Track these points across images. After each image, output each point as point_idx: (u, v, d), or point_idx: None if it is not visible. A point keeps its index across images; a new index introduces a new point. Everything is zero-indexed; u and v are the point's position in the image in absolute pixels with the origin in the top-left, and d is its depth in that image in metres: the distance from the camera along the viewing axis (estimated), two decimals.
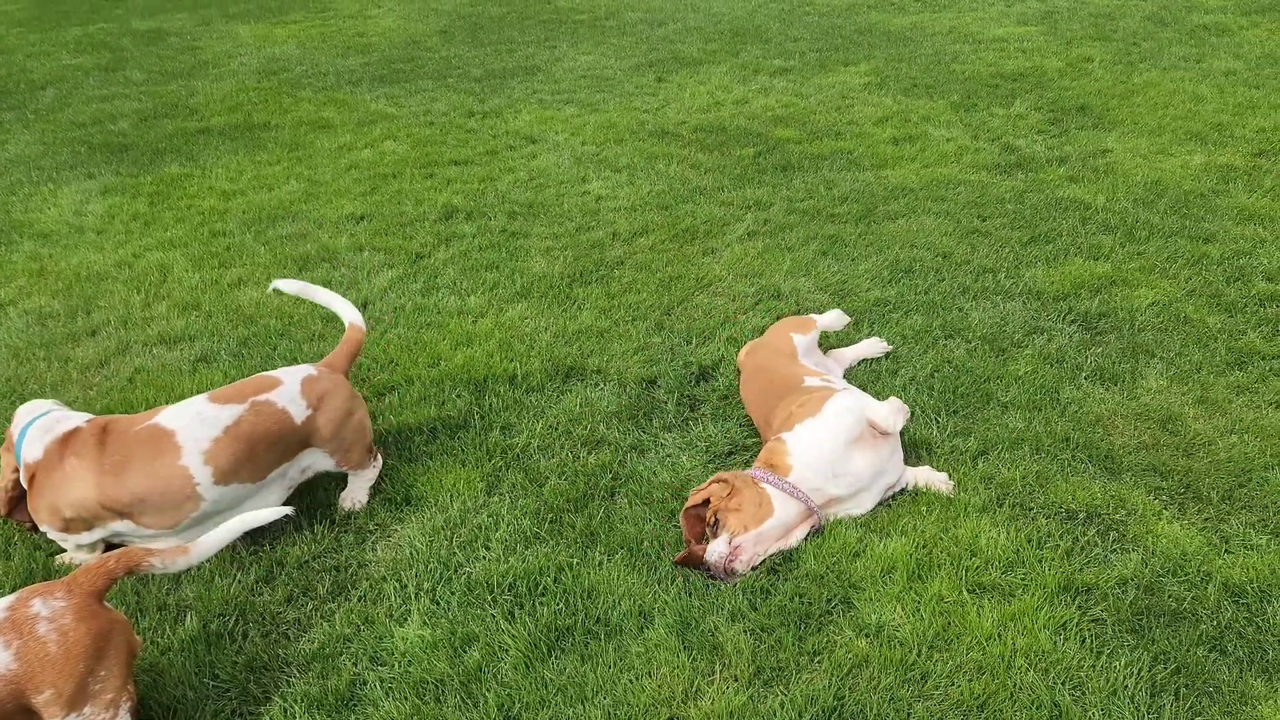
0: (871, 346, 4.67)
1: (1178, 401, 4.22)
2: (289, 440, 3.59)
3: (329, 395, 3.68)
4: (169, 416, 3.47)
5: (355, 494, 3.83)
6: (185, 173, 7.71)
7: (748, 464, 3.89)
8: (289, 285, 4.09)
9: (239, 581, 3.43)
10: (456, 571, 3.44)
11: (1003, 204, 6.36)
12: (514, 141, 8.20)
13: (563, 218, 6.49)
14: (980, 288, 5.26)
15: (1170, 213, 6.09)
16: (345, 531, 3.69)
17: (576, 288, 5.47)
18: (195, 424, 3.44)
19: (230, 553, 3.54)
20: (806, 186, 6.82)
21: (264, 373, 3.73)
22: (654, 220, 6.35)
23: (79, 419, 3.47)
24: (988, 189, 6.62)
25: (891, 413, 3.63)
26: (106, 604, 2.73)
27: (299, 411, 3.59)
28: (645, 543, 3.54)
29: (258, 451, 3.49)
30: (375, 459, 3.88)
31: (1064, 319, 4.92)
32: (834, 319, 4.59)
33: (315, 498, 3.84)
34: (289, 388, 3.62)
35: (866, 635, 3.10)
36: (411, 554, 3.53)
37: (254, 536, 3.62)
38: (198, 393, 4.50)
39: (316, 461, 3.73)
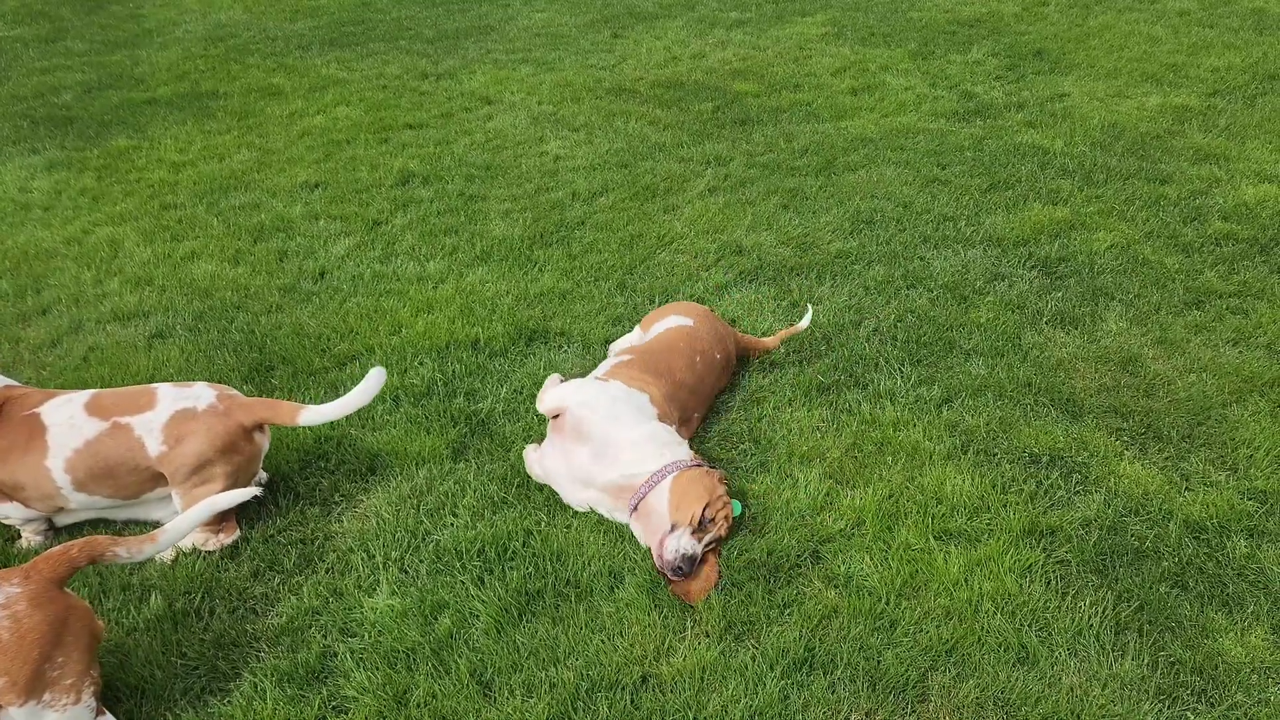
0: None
1: (1137, 343, 4.26)
2: (145, 472, 3.31)
3: (191, 436, 3.28)
4: (51, 410, 3.31)
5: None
6: (133, 145, 7.51)
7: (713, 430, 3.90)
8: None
9: (204, 559, 3.39)
10: (425, 540, 3.42)
11: (962, 152, 6.35)
12: (469, 103, 8.06)
13: (521, 179, 6.41)
14: (941, 236, 5.27)
15: (1128, 155, 6.11)
16: (310, 504, 3.65)
17: (537, 250, 5.42)
18: (65, 428, 3.27)
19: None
20: (766, 140, 6.78)
21: (156, 385, 3.43)
22: (613, 179, 6.28)
23: None
24: (947, 137, 6.61)
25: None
26: (67, 590, 2.69)
27: (154, 446, 3.27)
28: None
29: (118, 473, 3.30)
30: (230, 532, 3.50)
31: (1024, 265, 4.93)
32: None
33: (278, 469, 3.79)
34: (154, 416, 3.30)
35: (836, 586, 3.12)
36: (378, 524, 3.50)
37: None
38: (154, 371, 4.46)
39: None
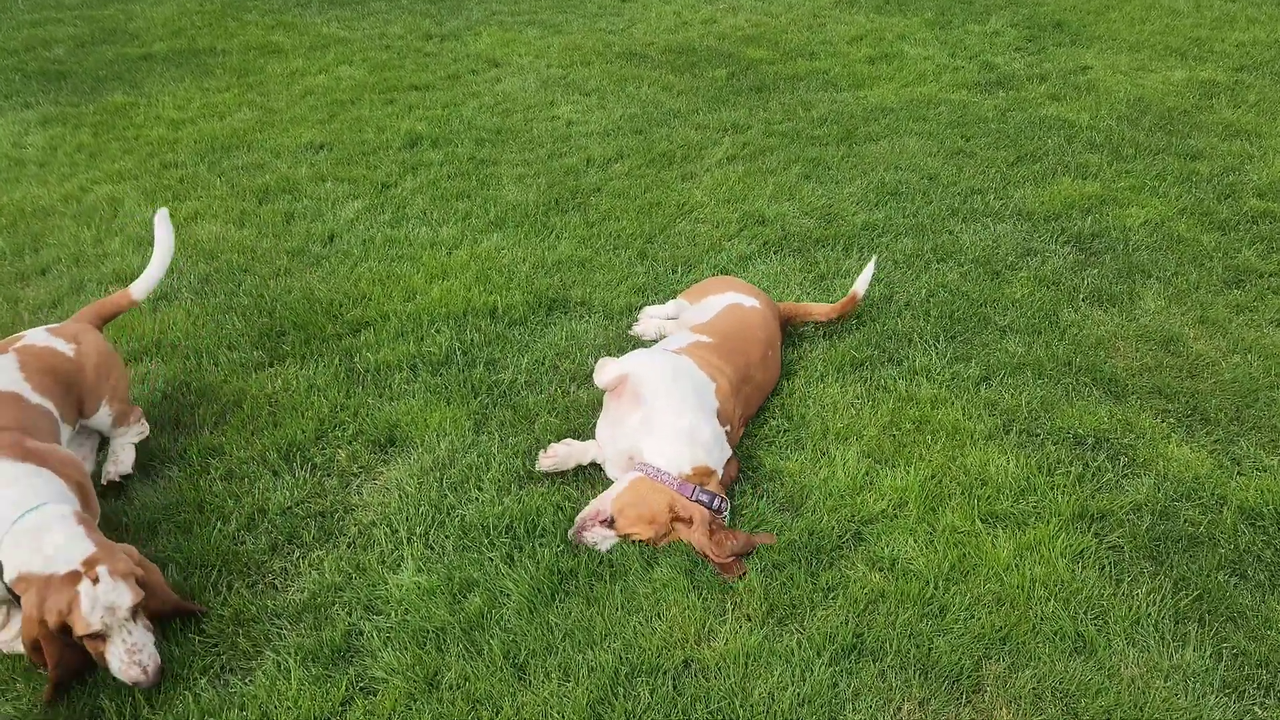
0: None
1: (1177, 322, 4.15)
2: None
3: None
4: None
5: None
6: (130, 101, 7.29)
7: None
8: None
9: (219, 531, 3.25)
10: (449, 514, 3.29)
11: (985, 123, 6.21)
12: (476, 65, 7.86)
13: (533, 144, 6.23)
14: (969, 209, 5.13)
15: (1156, 130, 5.98)
16: (328, 475, 3.51)
17: (553, 216, 5.26)
18: None
19: (210, 497, 3.36)
20: (784, 108, 6.61)
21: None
22: (628, 145, 6.11)
23: None
24: (969, 108, 6.46)
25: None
26: None
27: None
28: None
29: None
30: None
31: (1057, 240, 4.81)
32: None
33: (293, 440, 3.64)
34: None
35: (881, 569, 3.01)
36: (401, 497, 3.37)
37: (232, 481, 3.44)
38: (160, 335, 4.30)
39: None
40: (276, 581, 3.09)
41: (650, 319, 4.21)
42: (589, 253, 4.86)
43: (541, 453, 3.44)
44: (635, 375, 3.39)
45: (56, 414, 3.19)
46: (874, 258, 4.16)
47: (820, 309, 4.12)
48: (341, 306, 4.50)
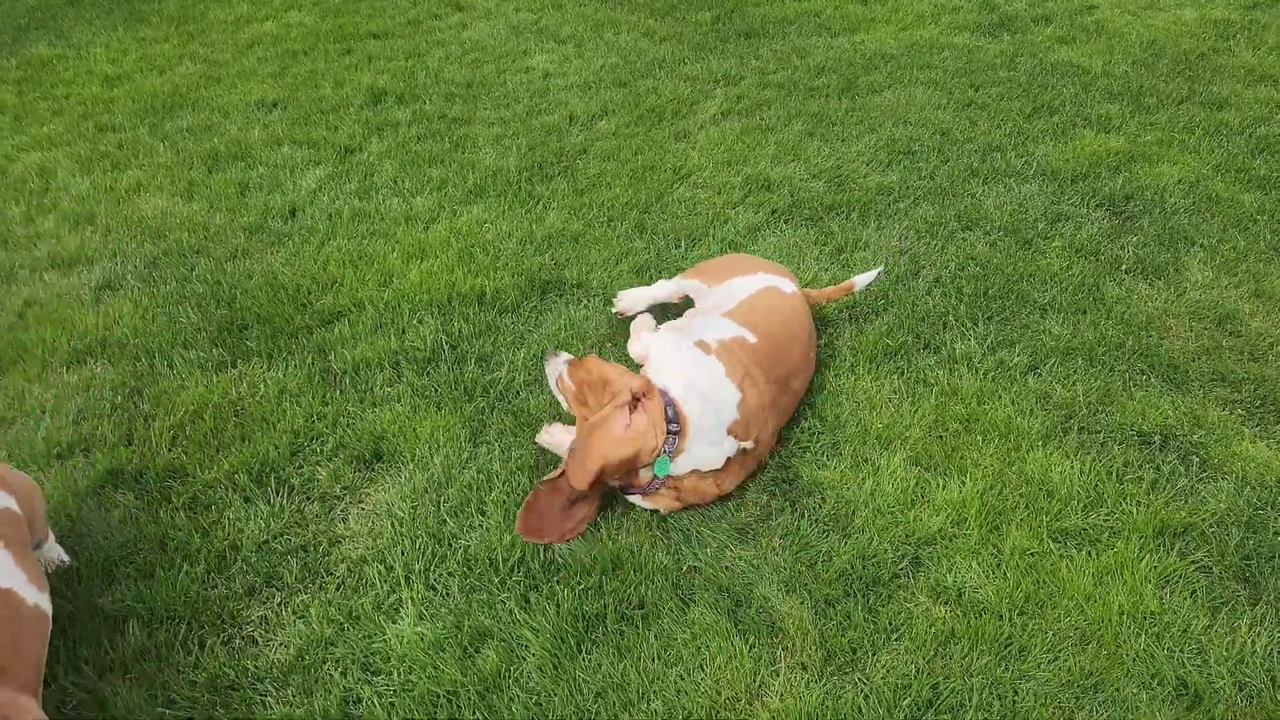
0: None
1: (1231, 296, 3.82)
2: None
3: None
4: None
5: None
6: (57, 54, 6.64)
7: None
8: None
9: (187, 574, 2.82)
10: (451, 546, 2.89)
11: (994, 71, 5.80)
12: (438, 9, 7.27)
13: (508, 99, 5.72)
14: (989, 169, 4.74)
15: (1175, 76, 5.61)
16: (308, 500, 3.08)
17: (537, 183, 4.79)
18: None
19: (173, 532, 2.93)
20: (776, 56, 6.14)
21: None
22: (613, 100, 5.63)
23: None
24: (974, 54, 6.04)
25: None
26: None
27: None
28: None
29: None
30: None
31: (1088, 202, 4.44)
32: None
33: (265, 456, 3.21)
34: None
35: (946, 602, 2.67)
36: (394, 526, 2.96)
37: (198, 511, 3.01)
38: (105, 331, 3.82)
39: None
40: (256, 634, 2.69)
41: (634, 301, 3.72)
42: (580, 225, 4.41)
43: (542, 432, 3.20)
44: (653, 369, 3.01)
45: None
46: (881, 268, 3.90)
47: (827, 292, 3.73)
48: (310, 293, 4.03)
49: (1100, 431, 3.20)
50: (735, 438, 2.90)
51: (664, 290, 3.72)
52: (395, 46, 6.55)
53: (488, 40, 6.59)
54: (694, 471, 2.88)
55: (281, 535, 2.96)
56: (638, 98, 5.62)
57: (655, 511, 2.94)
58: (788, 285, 3.40)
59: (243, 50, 6.59)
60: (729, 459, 2.90)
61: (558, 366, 3.12)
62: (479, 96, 5.76)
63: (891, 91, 5.59)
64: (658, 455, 2.80)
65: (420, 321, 3.81)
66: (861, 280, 3.77)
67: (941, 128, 5.15)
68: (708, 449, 2.86)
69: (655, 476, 2.84)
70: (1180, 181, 4.54)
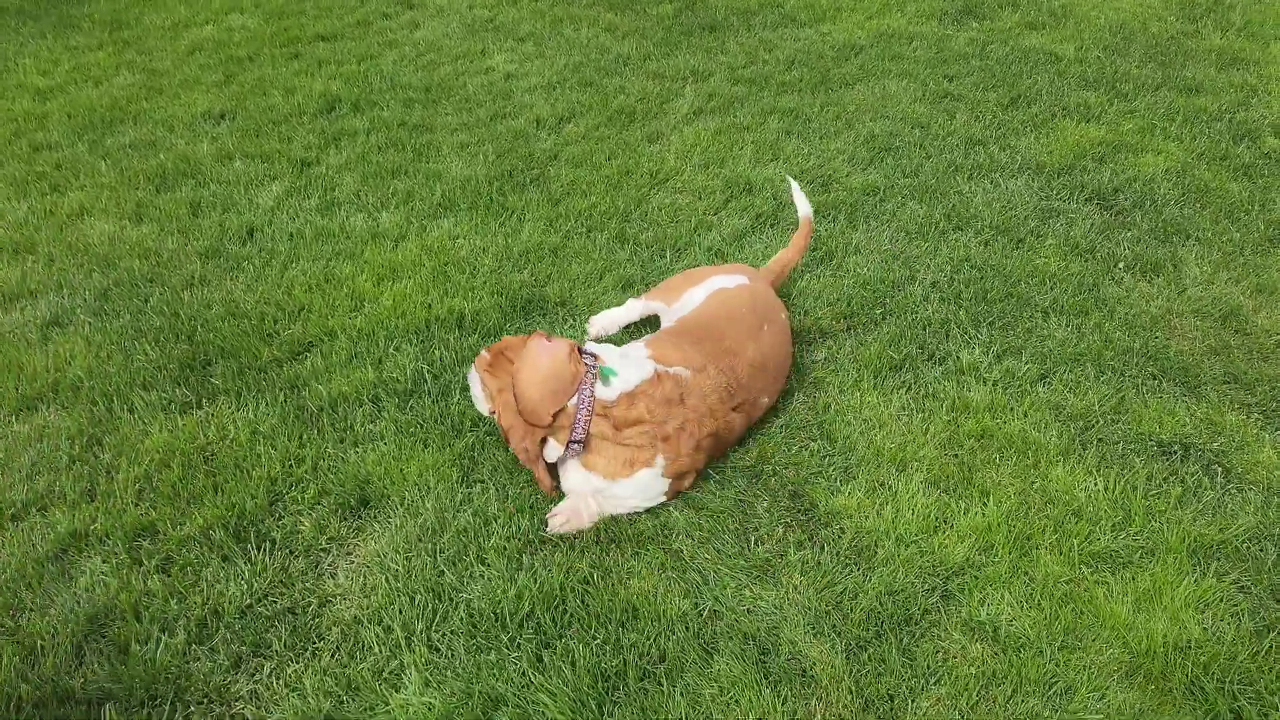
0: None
1: (1232, 292, 3.74)
2: None
3: None
4: None
5: None
6: None
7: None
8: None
9: (165, 645, 2.60)
10: (453, 601, 2.69)
11: (966, 60, 5.68)
12: (387, 7, 6.99)
13: (470, 103, 5.49)
14: (973, 165, 4.63)
15: (1147, 60, 5.55)
16: (292, 555, 2.86)
17: (509, 193, 4.57)
18: None
19: (146, 599, 2.69)
20: (744, 50, 5.97)
21: None
22: (580, 100, 5.42)
23: None
24: (944, 43, 5.92)
25: None
26: None
27: None
28: (677, 532, 2.86)
29: None
30: None
31: (1076, 196, 4.35)
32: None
33: (241, 508, 2.98)
34: None
35: (983, 639, 2.54)
36: (388, 582, 2.75)
37: (173, 573, 2.77)
38: (58, 373, 3.55)
39: None
40: (247, 712, 2.47)
41: (606, 324, 3.66)
42: (559, 238, 4.21)
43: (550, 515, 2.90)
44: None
45: None
46: (792, 181, 3.91)
47: (790, 254, 3.69)
48: (276, 322, 3.79)
49: (1119, 443, 3.09)
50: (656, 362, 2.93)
51: (634, 311, 3.62)
52: (345, 49, 6.27)
53: (443, 40, 6.33)
54: (624, 396, 2.83)
55: (266, 597, 2.74)
56: (605, 98, 5.42)
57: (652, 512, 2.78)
58: (734, 279, 3.36)
59: (183, 58, 6.27)
60: (666, 397, 2.86)
61: (474, 377, 3.03)
62: (439, 101, 5.52)
63: (865, 85, 5.45)
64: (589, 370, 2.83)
65: (397, 349, 3.59)
66: (803, 209, 3.76)
67: (919, 121, 5.03)
68: (631, 368, 2.88)
69: (594, 398, 2.81)
70: (1167, 171, 4.46)
